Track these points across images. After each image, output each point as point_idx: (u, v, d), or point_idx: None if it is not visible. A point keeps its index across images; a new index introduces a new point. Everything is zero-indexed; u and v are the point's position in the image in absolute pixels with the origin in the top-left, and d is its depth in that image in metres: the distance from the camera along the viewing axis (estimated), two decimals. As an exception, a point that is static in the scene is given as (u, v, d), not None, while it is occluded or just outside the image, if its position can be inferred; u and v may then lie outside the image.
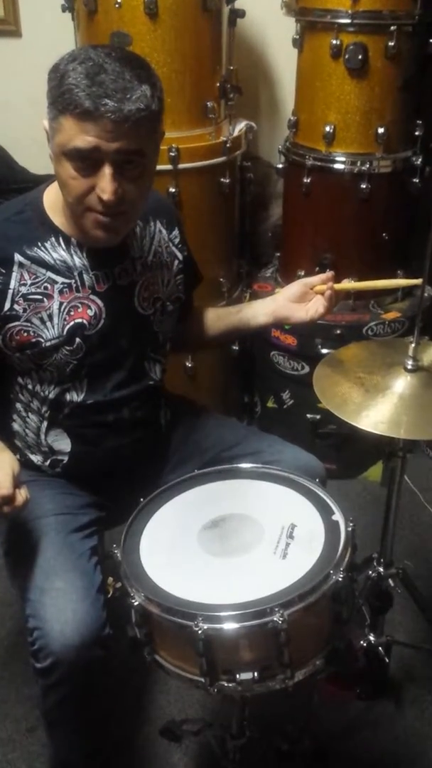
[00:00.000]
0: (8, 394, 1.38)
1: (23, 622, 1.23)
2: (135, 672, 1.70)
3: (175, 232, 1.45)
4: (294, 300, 1.46)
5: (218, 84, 2.13)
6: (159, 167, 1.95)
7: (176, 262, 1.44)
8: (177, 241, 1.45)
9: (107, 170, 1.13)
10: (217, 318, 1.58)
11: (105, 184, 1.14)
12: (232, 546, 1.17)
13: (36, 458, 1.40)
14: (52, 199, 1.28)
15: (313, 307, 1.43)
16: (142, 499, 1.28)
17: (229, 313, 1.57)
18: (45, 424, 1.36)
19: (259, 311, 1.51)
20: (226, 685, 1.06)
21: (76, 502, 1.38)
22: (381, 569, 1.56)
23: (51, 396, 1.33)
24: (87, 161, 1.13)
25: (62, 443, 1.37)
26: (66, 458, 1.38)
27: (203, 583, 1.10)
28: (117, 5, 1.92)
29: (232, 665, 1.05)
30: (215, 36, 2.11)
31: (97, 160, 1.13)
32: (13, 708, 1.68)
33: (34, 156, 2.23)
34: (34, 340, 1.26)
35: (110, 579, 1.43)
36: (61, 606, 1.17)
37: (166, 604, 1.06)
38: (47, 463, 1.39)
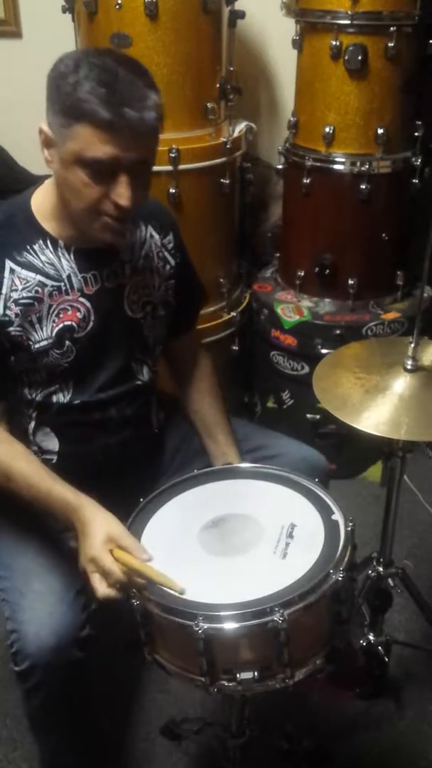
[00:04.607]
0: None
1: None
2: (135, 671, 1.70)
3: (170, 237, 1.43)
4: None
5: (218, 85, 2.13)
6: (159, 168, 1.97)
7: (168, 267, 1.42)
8: (171, 246, 1.42)
9: (124, 179, 1.14)
10: (205, 406, 1.53)
11: (123, 191, 1.14)
12: (232, 546, 1.17)
13: None
14: (39, 203, 1.28)
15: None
16: (141, 500, 1.28)
17: (211, 420, 1.51)
18: (33, 423, 1.36)
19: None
20: (226, 684, 1.06)
21: None
22: (381, 569, 1.57)
23: (38, 399, 1.33)
24: (102, 169, 1.13)
25: (50, 442, 1.37)
26: (55, 457, 1.37)
27: (203, 582, 1.10)
28: (117, 6, 1.92)
29: (232, 665, 1.05)
30: (215, 37, 2.11)
31: (114, 168, 1.13)
32: (13, 707, 1.68)
33: (34, 156, 2.21)
34: (25, 343, 1.27)
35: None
36: (37, 608, 1.18)
37: (167, 603, 1.06)
38: None
